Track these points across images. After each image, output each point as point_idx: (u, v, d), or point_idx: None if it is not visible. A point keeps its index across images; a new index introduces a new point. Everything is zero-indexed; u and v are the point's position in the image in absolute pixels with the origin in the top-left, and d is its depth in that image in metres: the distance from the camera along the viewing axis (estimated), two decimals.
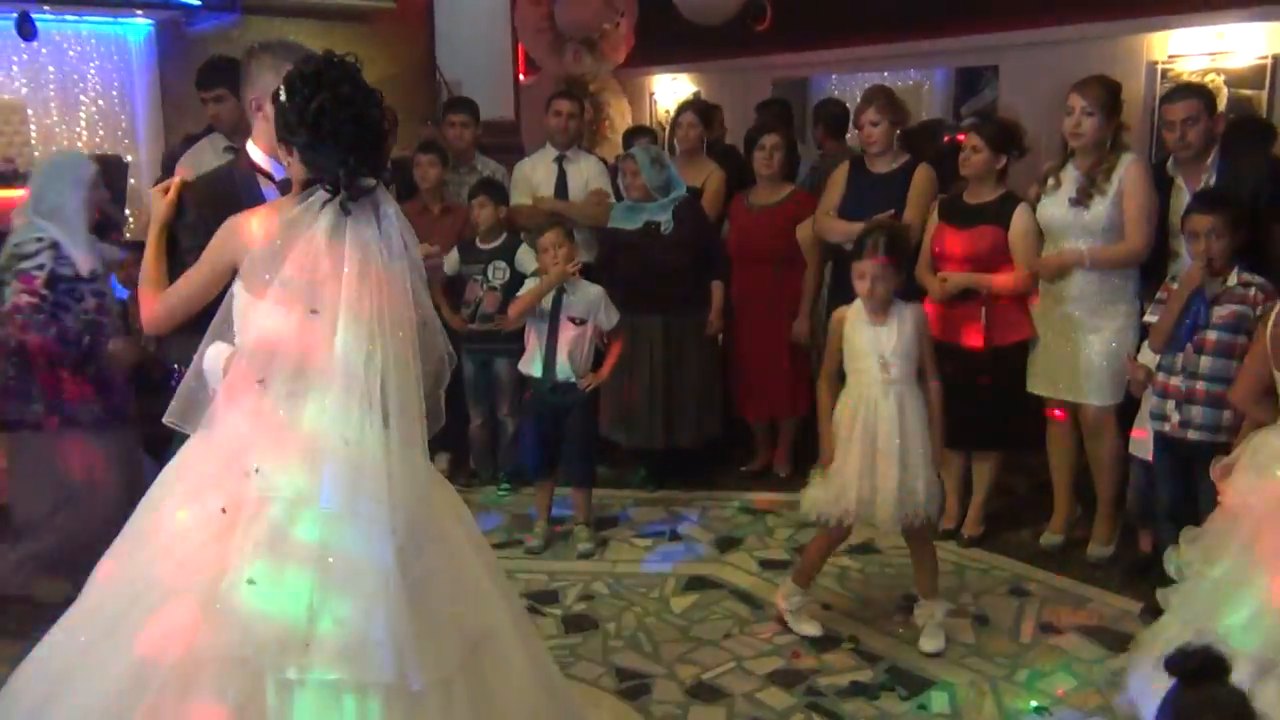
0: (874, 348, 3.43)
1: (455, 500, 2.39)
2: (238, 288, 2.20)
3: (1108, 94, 3.97)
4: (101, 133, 9.01)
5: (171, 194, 2.57)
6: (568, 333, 4.30)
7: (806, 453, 5.10)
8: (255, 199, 2.55)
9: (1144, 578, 3.86)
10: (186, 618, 2.00)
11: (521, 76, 10.44)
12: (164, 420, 2.25)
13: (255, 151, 2.65)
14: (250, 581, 2.01)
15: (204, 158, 4.53)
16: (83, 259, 3.74)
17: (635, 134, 6.15)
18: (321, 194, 2.14)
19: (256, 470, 2.06)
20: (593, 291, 4.33)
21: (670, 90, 9.24)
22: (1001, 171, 4.19)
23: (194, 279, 2.31)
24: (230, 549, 2.04)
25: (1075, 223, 4.01)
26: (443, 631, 2.12)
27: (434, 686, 2.06)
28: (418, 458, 2.18)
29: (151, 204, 2.62)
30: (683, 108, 5.59)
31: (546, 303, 4.29)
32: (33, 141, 8.68)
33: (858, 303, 3.49)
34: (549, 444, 4.37)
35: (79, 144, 8.91)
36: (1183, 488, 3.51)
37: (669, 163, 4.90)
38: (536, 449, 4.42)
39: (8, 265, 3.67)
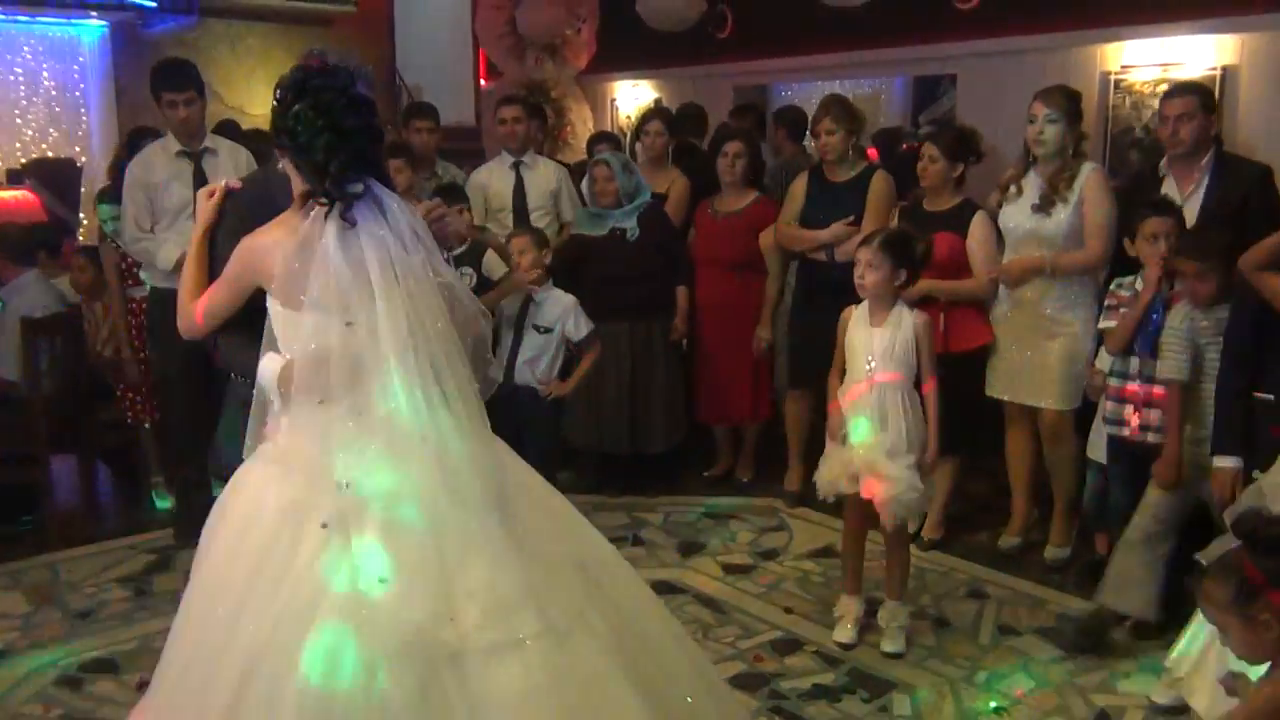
0: (865, 348, 3.49)
1: (510, 449, 2.48)
2: (273, 305, 2.23)
3: (1070, 102, 4.04)
4: (54, 135, 8.88)
5: (216, 199, 2.57)
6: (532, 339, 4.29)
7: (768, 457, 5.17)
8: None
9: (1099, 579, 3.94)
10: (334, 633, 2.04)
11: (483, 82, 10.42)
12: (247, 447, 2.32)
13: None
14: (382, 580, 2.06)
15: (156, 160, 4.48)
16: None
17: (599, 140, 6.15)
18: (319, 207, 2.16)
19: (347, 485, 2.11)
20: (564, 301, 4.33)
21: (631, 96, 9.25)
22: (959, 178, 4.25)
23: (219, 294, 2.36)
24: (351, 552, 2.09)
25: (1037, 230, 4.07)
26: (562, 572, 2.24)
27: (574, 621, 2.17)
28: (487, 430, 2.27)
29: (197, 208, 2.62)
30: (649, 115, 5.60)
31: (514, 308, 4.28)
32: None
33: (864, 304, 3.55)
34: (513, 447, 4.34)
35: (31, 147, 8.79)
36: (1139, 492, 3.57)
37: (636, 168, 4.92)
38: None
39: None
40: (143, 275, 4.66)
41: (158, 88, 4.45)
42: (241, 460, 2.36)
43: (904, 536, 3.61)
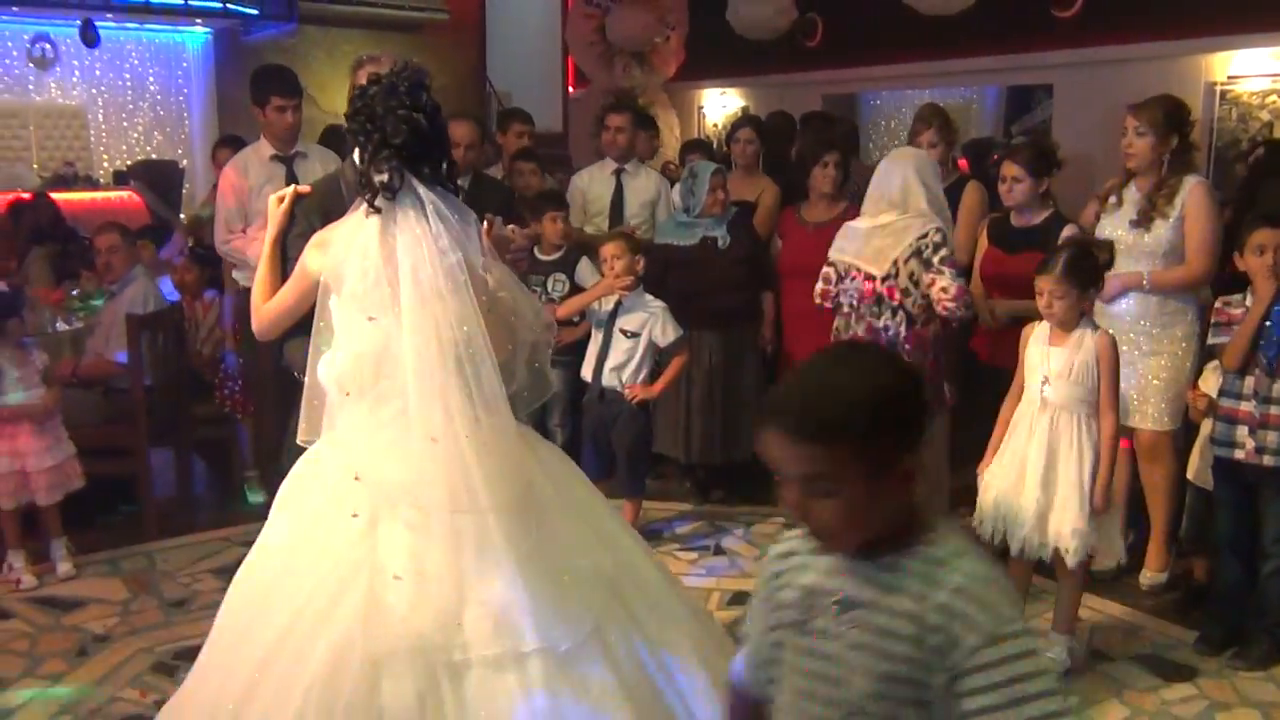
0: (1041, 367, 3.34)
1: (561, 456, 2.48)
2: (333, 301, 2.27)
3: (1164, 115, 3.90)
4: (158, 138, 9.20)
5: (286, 204, 2.62)
6: (620, 343, 4.31)
7: None
8: None
9: (1197, 607, 3.81)
10: (352, 620, 2.08)
11: (571, 88, 10.51)
12: (298, 440, 2.36)
13: None
14: (396, 578, 2.09)
15: (250, 164, 4.59)
16: None
17: (691, 148, 6.14)
18: (363, 202, 2.21)
19: (356, 478, 2.16)
20: (652, 306, 4.33)
21: (719, 104, 9.25)
22: (1045, 192, 4.14)
23: (286, 293, 2.40)
24: (374, 548, 2.13)
25: (1135, 245, 3.95)
26: (583, 584, 2.23)
27: (589, 637, 2.17)
28: (514, 437, 2.25)
29: (268, 213, 2.67)
30: (740, 122, 5.56)
31: (605, 311, 4.32)
32: (91, 146, 8.88)
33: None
34: (603, 453, 4.38)
35: (136, 149, 9.12)
36: (1244, 517, 3.44)
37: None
38: (591, 456, 4.44)
39: None
40: (235, 275, 4.78)
41: (268, 92, 4.53)
42: None
43: (1080, 571, 3.42)
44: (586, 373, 4.41)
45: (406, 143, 2.21)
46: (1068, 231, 4.04)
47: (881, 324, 3.80)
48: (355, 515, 2.16)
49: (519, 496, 2.20)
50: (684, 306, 4.60)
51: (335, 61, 9.29)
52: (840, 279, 3.90)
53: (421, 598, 2.09)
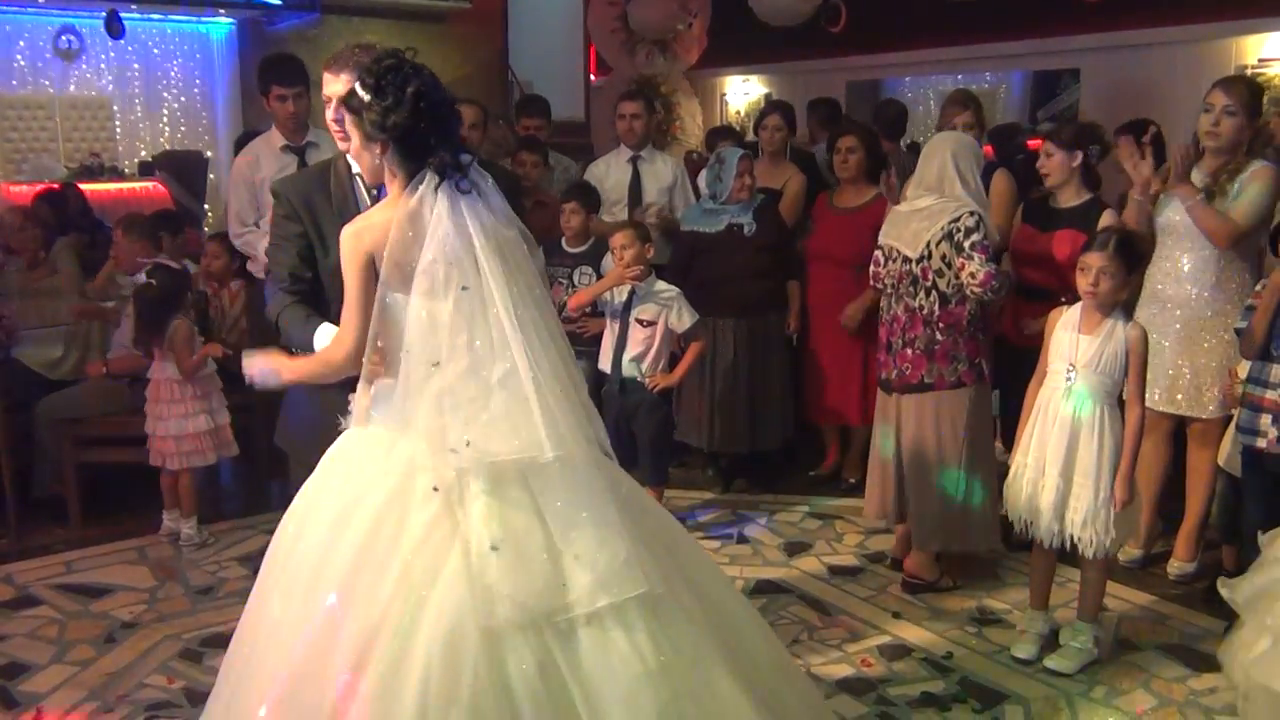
0: (1068, 354, 3.31)
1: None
2: (386, 295, 2.25)
3: (1253, 96, 3.81)
4: (183, 128, 9.22)
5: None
6: (636, 333, 4.29)
7: None
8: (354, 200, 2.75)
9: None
10: (457, 600, 2.07)
11: (593, 77, 10.48)
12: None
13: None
14: (494, 548, 2.09)
15: (261, 156, 4.58)
16: None
17: (717, 134, 6.11)
18: (430, 179, 2.20)
19: (468, 443, 2.13)
20: (666, 293, 4.31)
21: (741, 91, 9.21)
22: (1087, 174, 4.08)
23: (354, 303, 2.32)
24: (460, 523, 2.13)
25: (1191, 226, 3.83)
26: (653, 542, 2.28)
27: (667, 586, 2.20)
28: (585, 395, 2.31)
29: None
30: (768, 109, 5.52)
31: (620, 301, 4.30)
32: (117, 137, 8.92)
33: (1077, 306, 3.37)
34: (626, 443, 4.37)
35: (161, 140, 9.16)
36: (1273, 507, 3.39)
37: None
38: (615, 446, 4.41)
39: None
40: (249, 269, 4.78)
41: (267, 81, 4.54)
42: (305, 434, 2.42)
43: (1102, 559, 3.40)
44: (605, 364, 4.39)
45: (458, 130, 2.32)
46: (1108, 217, 3.97)
47: (917, 304, 3.79)
48: (435, 489, 2.14)
49: (597, 454, 2.27)
50: (709, 293, 4.58)
51: None
52: (887, 260, 3.90)
53: (522, 565, 2.10)
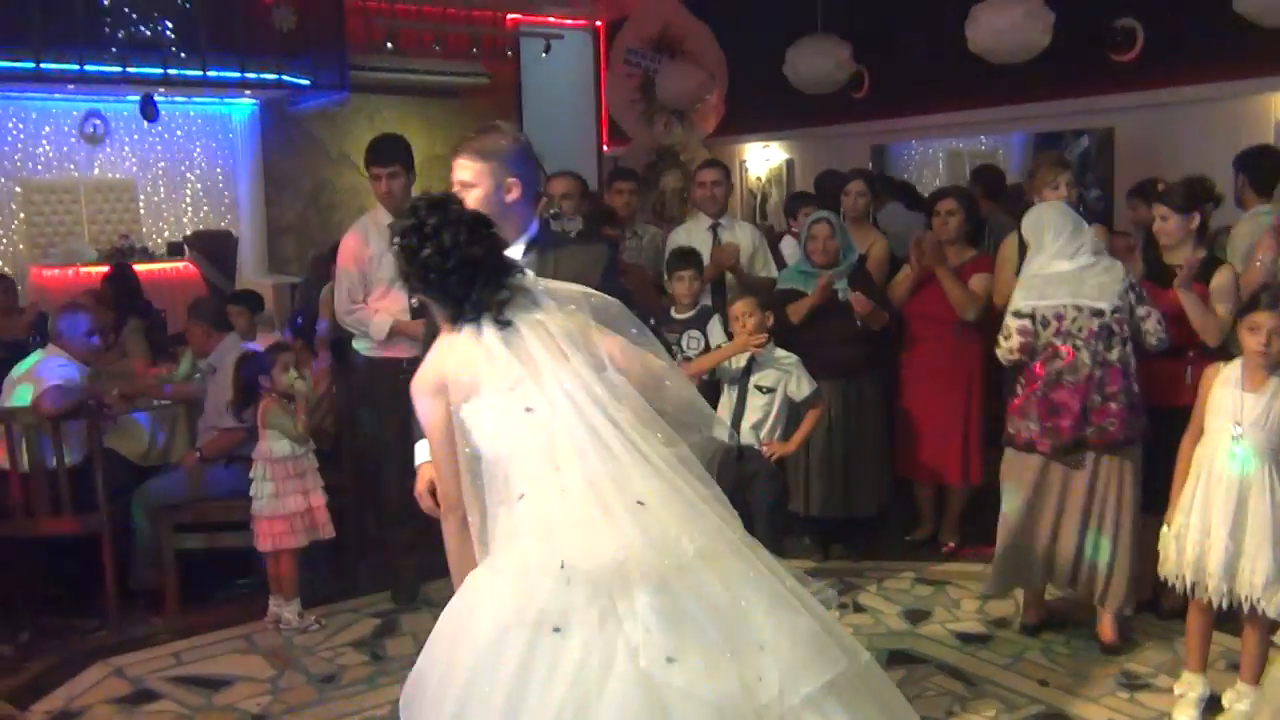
0: (1232, 411, 3.30)
1: None
2: (468, 419, 2.19)
3: None
4: (206, 208, 9.19)
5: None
6: (755, 400, 4.28)
7: (974, 524, 5.00)
8: None
9: None
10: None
11: (605, 147, 10.60)
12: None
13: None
14: (669, 660, 2.03)
15: (369, 233, 4.56)
16: None
17: (797, 200, 6.14)
18: (470, 318, 2.19)
19: (562, 566, 2.05)
20: (786, 361, 4.30)
21: (762, 158, 9.33)
22: (1201, 229, 4.13)
23: (437, 451, 2.28)
24: (600, 653, 2.03)
25: None
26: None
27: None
28: (693, 489, 2.23)
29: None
30: (851, 175, 5.58)
31: (738, 368, 4.29)
32: (141, 218, 8.86)
33: (1236, 361, 3.35)
34: (740, 512, 4.30)
35: (184, 220, 9.10)
36: None
37: (845, 228, 4.91)
38: None
39: None
40: (355, 345, 4.73)
41: (368, 163, 4.55)
42: None
43: (1254, 619, 3.34)
44: (719, 431, 4.35)
45: (500, 260, 2.24)
46: (1225, 274, 4.01)
47: (1115, 356, 3.79)
48: (556, 630, 2.04)
49: (734, 540, 2.25)
50: (805, 357, 4.58)
51: (377, 127, 9.35)
52: (1045, 325, 3.87)
53: (708, 664, 2.03)
